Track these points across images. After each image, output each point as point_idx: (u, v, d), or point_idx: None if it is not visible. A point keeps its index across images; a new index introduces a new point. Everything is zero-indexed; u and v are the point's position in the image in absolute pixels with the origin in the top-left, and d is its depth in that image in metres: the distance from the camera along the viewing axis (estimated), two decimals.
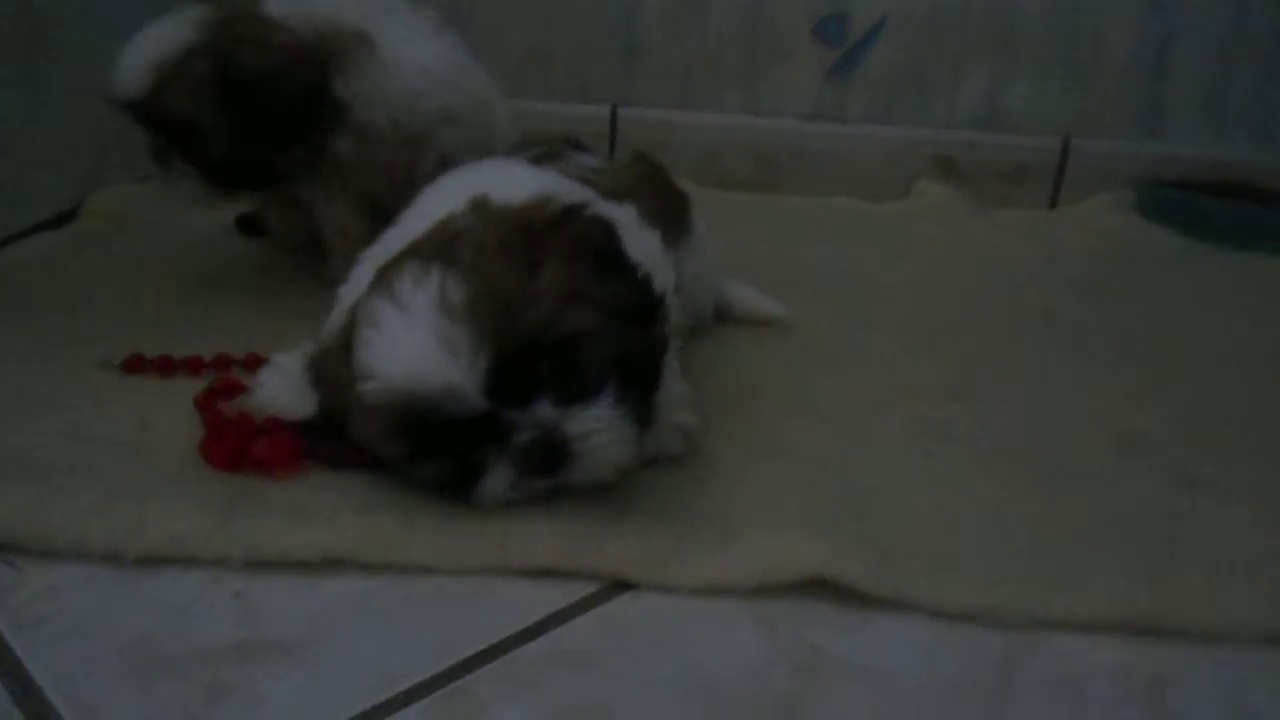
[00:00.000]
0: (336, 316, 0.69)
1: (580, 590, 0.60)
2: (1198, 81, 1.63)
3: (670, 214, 0.88)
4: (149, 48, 0.91)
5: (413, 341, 0.58)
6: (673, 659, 0.56)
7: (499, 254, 0.60)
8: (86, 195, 1.21)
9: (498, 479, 0.61)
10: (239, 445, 0.66)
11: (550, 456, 0.61)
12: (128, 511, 0.61)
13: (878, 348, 0.96)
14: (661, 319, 0.67)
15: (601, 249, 0.64)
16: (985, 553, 0.64)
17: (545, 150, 0.86)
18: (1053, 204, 1.66)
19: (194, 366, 0.81)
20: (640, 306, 0.64)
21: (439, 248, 0.62)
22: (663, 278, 0.70)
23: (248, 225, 1.19)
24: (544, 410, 0.60)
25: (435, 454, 0.61)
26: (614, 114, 1.63)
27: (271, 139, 0.92)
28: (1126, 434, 0.81)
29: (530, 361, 0.59)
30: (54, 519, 0.60)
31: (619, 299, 0.62)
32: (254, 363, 0.82)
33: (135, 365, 0.81)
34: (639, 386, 0.63)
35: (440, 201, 0.69)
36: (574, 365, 0.60)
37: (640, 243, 0.70)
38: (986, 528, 0.67)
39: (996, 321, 1.05)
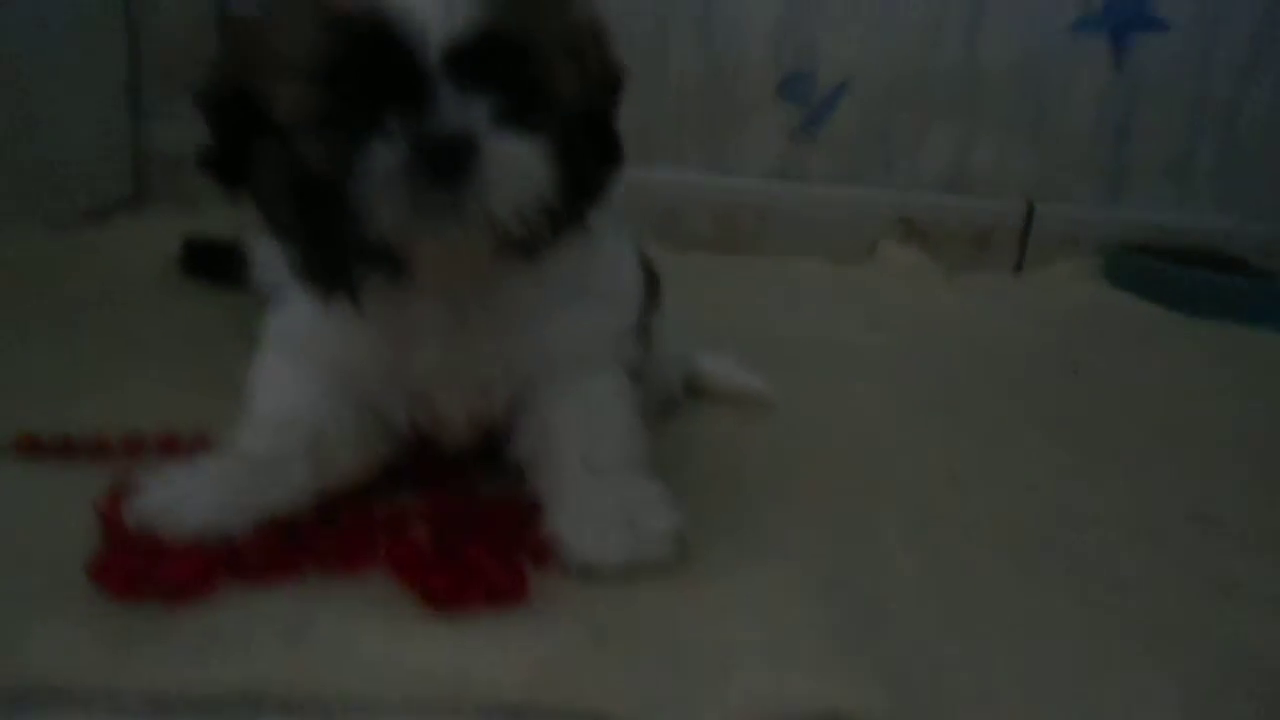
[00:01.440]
0: None
1: None
2: (1161, 147, 1.63)
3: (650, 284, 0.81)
4: None
5: None
6: None
7: None
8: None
9: (388, 157, 0.51)
10: (139, 566, 0.55)
11: (453, 150, 0.52)
12: (7, 636, 0.50)
13: (862, 427, 0.89)
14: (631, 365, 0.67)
15: (621, 71, 0.62)
16: (1018, 678, 0.56)
17: None
18: (1018, 267, 1.63)
19: (99, 450, 0.71)
20: (612, 140, 0.62)
21: None
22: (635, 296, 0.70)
23: (194, 262, 1.11)
24: (475, 110, 0.53)
25: (340, 117, 0.52)
26: None
27: None
28: (1141, 530, 0.74)
29: (504, 67, 0.54)
30: None
31: (606, 103, 0.61)
32: (170, 445, 0.72)
33: (30, 446, 0.70)
34: (570, 180, 0.57)
35: None
36: (533, 100, 0.55)
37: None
38: (1016, 646, 0.59)
39: (978, 400, 1.00)
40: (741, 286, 1.39)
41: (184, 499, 0.59)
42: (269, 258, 0.63)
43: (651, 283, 0.85)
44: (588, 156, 0.60)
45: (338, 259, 0.56)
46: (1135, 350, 1.23)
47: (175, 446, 0.72)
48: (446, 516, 0.64)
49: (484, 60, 0.53)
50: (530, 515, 0.64)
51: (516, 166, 0.54)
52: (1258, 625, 0.63)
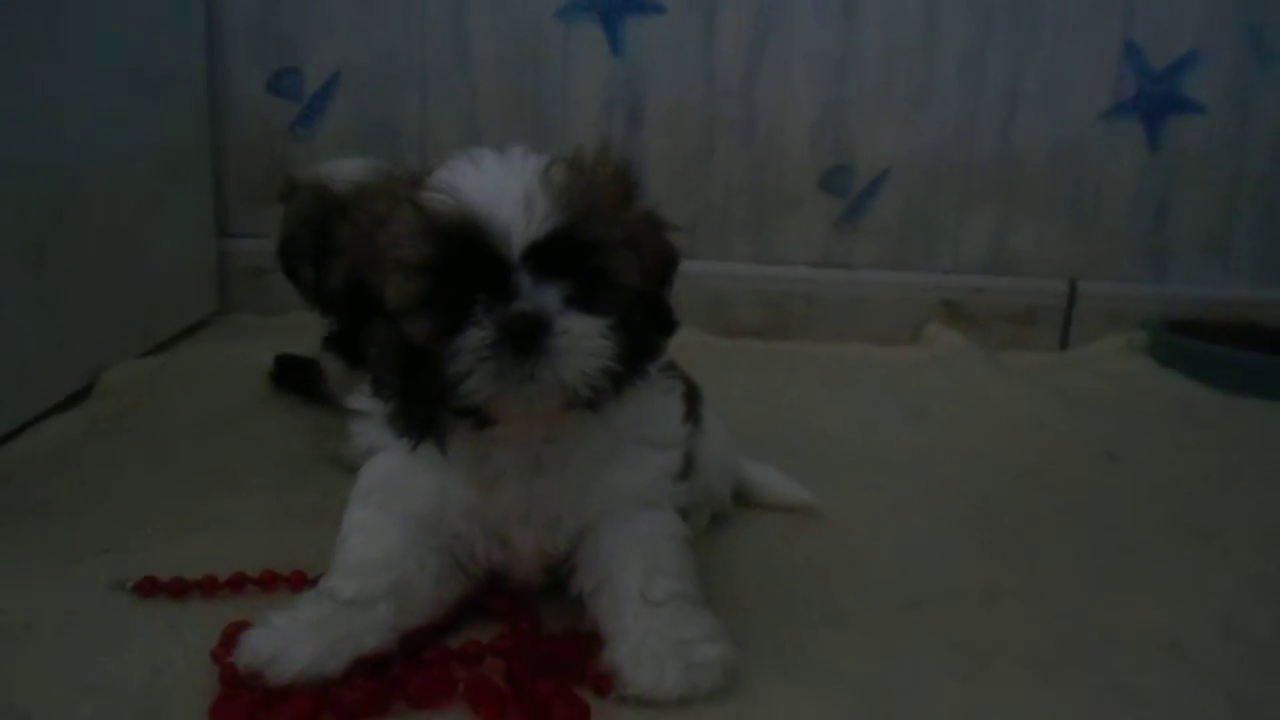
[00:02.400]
0: None
1: None
2: (1200, 223, 1.66)
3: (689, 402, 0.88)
4: (338, 163, 1.11)
5: (503, 180, 0.64)
6: None
7: (608, 177, 0.68)
8: (99, 374, 1.21)
9: (478, 336, 0.62)
10: (252, 710, 0.63)
11: (531, 329, 0.62)
12: None
13: (908, 538, 0.94)
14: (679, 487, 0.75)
15: (675, 256, 0.73)
16: None
17: None
18: (1063, 345, 1.67)
19: (208, 589, 0.79)
20: (665, 313, 0.72)
21: (557, 153, 0.68)
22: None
23: (285, 377, 1.21)
24: (549, 296, 0.63)
25: (440, 301, 0.63)
26: None
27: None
28: (1168, 645, 0.78)
29: (574, 259, 0.64)
30: None
31: (661, 283, 0.71)
32: (270, 582, 0.80)
33: (149, 588, 0.79)
34: (630, 348, 0.66)
35: None
36: (599, 285, 0.65)
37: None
38: None
39: (1023, 497, 1.04)
40: (788, 374, 1.44)
41: (286, 647, 0.67)
42: (363, 426, 0.72)
43: (691, 398, 0.92)
44: (645, 326, 0.69)
45: (432, 413, 0.67)
46: (1177, 434, 1.26)
47: (274, 583, 0.80)
48: (516, 650, 0.71)
49: (557, 254, 0.64)
50: (591, 647, 0.70)
51: (583, 341, 0.64)
52: None
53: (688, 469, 0.80)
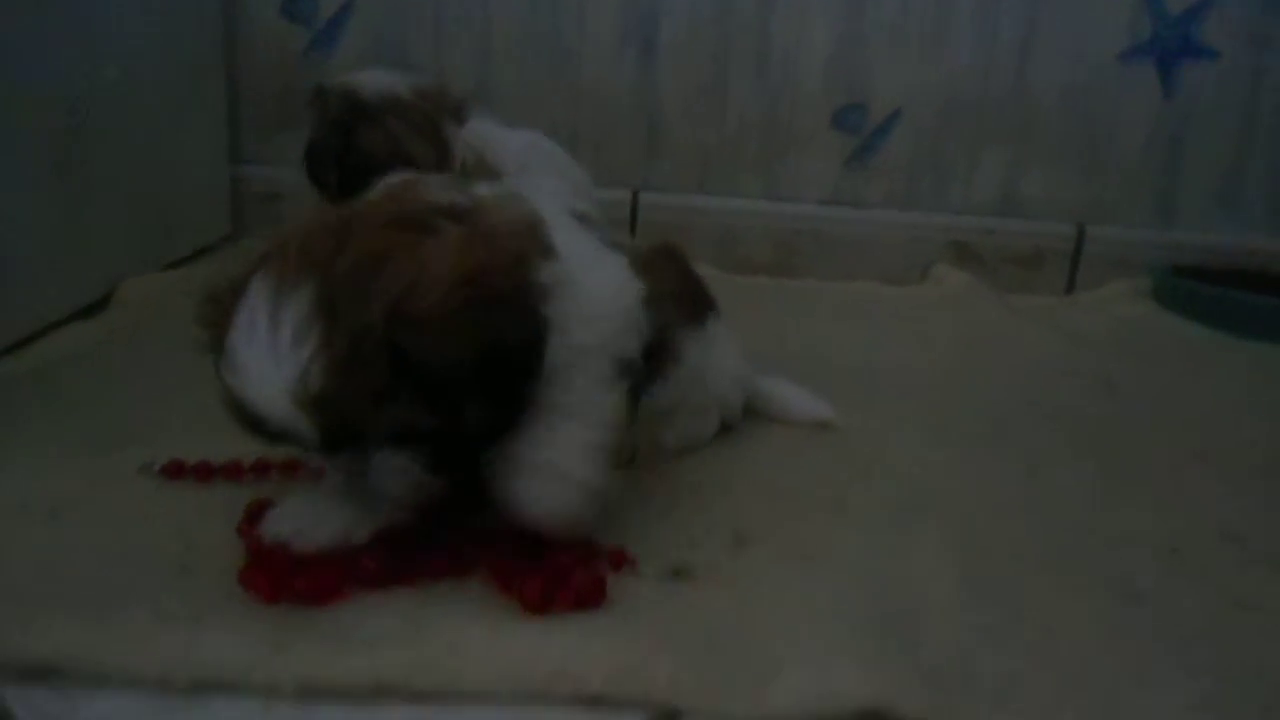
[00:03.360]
0: None
1: (632, 718, 0.60)
2: (1211, 169, 1.66)
3: (686, 303, 0.90)
4: (366, 75, 1.11)
5: (262, 384, 0.61)
6: None
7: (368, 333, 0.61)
8: (118, 284, 1.22)
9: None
10: (279, 576, 0.65)
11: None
12: (178, 638, 0.60)
13: (910, 451, 0.96)
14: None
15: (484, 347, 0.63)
16: (1042, 679, 0.63)
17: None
18: (1069, 289, 1.68)
19: (232, 473, 0.81)
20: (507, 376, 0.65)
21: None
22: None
23: None
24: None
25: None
26: (635, 198, 1.65)
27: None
28: (1166, 549, 0.80)
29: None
30: (103, 645, 0.60)
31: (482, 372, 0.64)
32: (293, 467, 0.82)
33: (176, 471, 0.81)
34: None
35: None
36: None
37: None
38: (1040, 651, 0.66)
39: (1026, 423, 1.06)
40: (797, 309, 1.46)
41: (312, 518, 0.69)
42: None
43: (699, 299, 0.93)
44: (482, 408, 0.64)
45: None
46: (1177, 371, 1.27)
47: (297, 469, 0.82)
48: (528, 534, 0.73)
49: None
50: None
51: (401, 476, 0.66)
52: (1268, 637, 0.69)
53: (671, 354, 0.83)
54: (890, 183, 1.67)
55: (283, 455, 0.82)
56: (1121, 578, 0.76)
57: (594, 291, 0.71)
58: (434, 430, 0.63)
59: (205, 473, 0.81)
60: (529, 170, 1.03)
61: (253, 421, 0.63)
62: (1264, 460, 0.99)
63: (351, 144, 1.03)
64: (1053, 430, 1.04)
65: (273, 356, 0.60)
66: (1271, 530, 0.84)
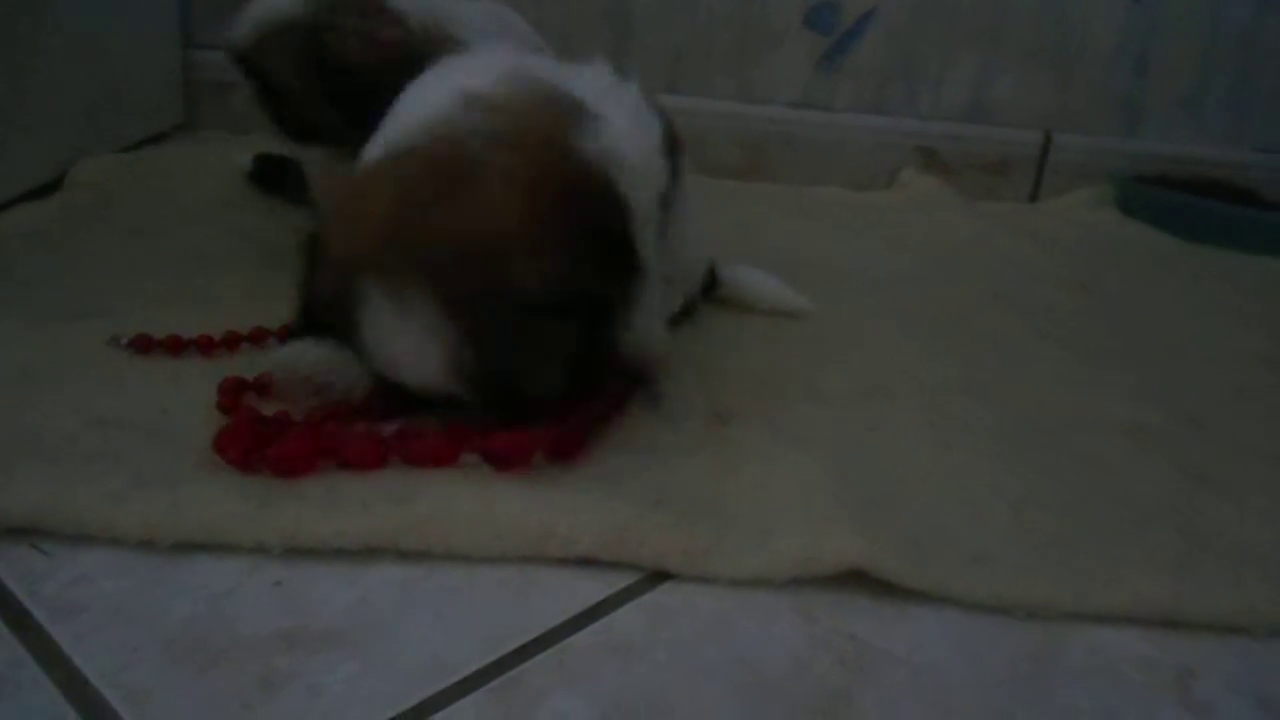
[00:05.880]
0: None
1: (621, 580, 0.61)
2: (1176, 79, 1.67)
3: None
4: (259, 7, 0.94)
5: None
6: (719, 650, 0.56)
7: None
8: (71, 166, 1.18)
9: None
10: (252, 444, 0.64)
11: None
12: (159, 497, 0.60)
13: (883, 341, 0.97)
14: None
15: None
16: (1013, 545, 0.65)
17: None
18: (1033, 197, 1.69)
19: (204, 346, 0.80)
20: None
21: None
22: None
23: (265, 177, 1.18)
24: None
25: None
26: None
27: (355, 115, 0.90)
28: (1132, 429, 0.82)
29: None
30: (83, 503, 0.59)
31: None
32: (264, 337, 0.81)
33: (144, 344, 0.79)
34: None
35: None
36: None
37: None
38: (1012, 520, 0.68)
39: (994, 316, 1.07)
40: (765, 209, 1.45)
41: (325, 355, 0.69)
42: None
43: (676, 142, 0.88)
44: None
45: None
46: (1141, 273, 1.30)
47: (267, 339, 0.81)
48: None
49: None
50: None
51: None
52: (1226, 509, 0.72)
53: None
54: (860, 86, 1.65)
55: (250, 328, 0.81)
56: (1089, 455, 0.78)
57: (634, 144, 0.71)
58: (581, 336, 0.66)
59: (176, 346, 0.79)
60: (490, 39, 0.99)
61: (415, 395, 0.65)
62: (1224, 354, 1.01)
63: (328, 70, 0.94)
64: (1022, 323, 1.05)
65: (418, 352, 0.64)
66: (1232, 415, 0.87)
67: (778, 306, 0.99)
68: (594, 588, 0.60)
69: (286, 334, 0.80)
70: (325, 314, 0.68)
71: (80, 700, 0.49)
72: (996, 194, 1.68)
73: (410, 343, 0.64)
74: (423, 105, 0.69)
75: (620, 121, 0.70)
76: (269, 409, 0.70)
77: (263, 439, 0.66)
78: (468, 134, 0.65)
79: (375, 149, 0.69)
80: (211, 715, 0.49)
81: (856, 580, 0.61)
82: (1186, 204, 1.48)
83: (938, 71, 1.67)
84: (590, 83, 0.73)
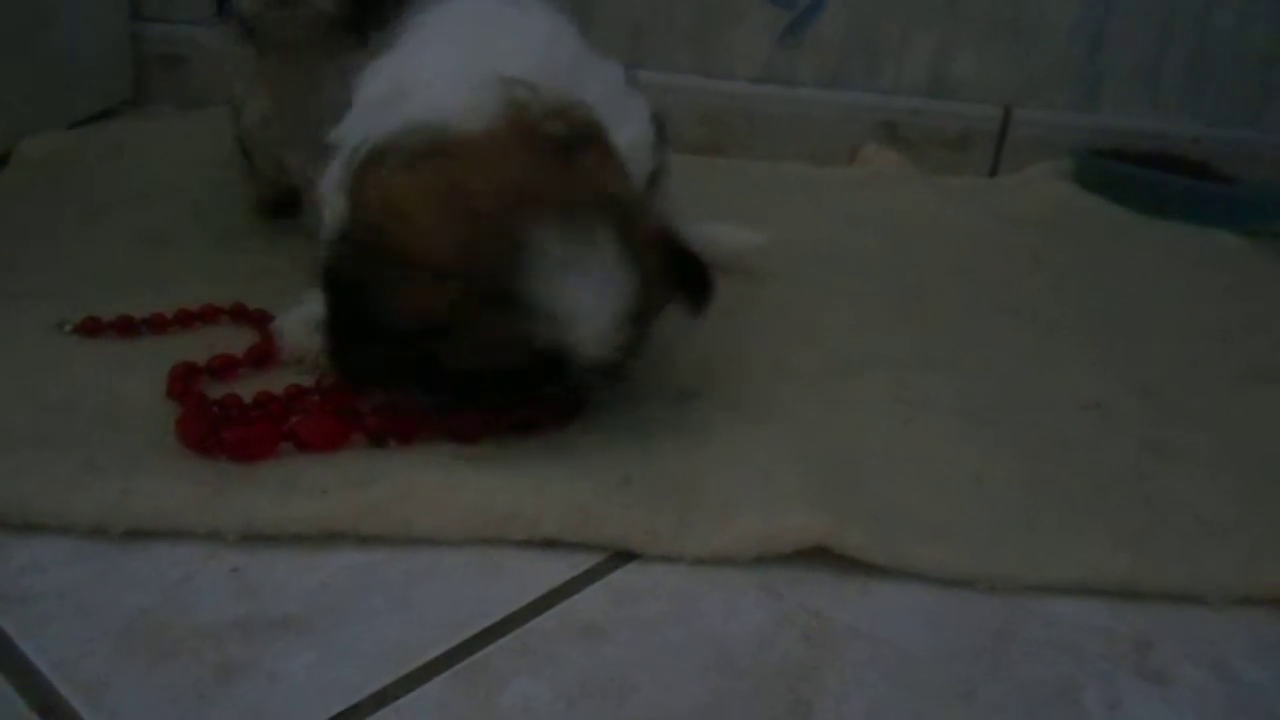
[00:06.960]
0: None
1: (585, 562, 0.60)
2: (1133, 53, 1.68)
3: None
4: None
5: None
6: (684, 629, 0.56)
7: None
8: (17, 143, 1.14)
9: None
10: (209, 427, 0.63)
11: None
12: (111, 483, 0.58)
13: (846, 318, 0.97)
14: None
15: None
16: (975, 520, 0.66)
17: None
18: (993, 172, 1.69)
19: (157, 325, 0.78)
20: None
21: None
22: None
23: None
24: None
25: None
26: None
27: None
28: (1092, 403, 0.83)
29: None
30: (32, 490, 0.57)
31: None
32: (215, 314, 0.80)
33: (93, 328, 0.77)
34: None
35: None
36: None
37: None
38: (973, 495, 0.68)
39: (956, 292, 1.07)
40: (726, 184, 1.44)
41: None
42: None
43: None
44: None
45: None
46: (1098, 248, 1.31)
47: (217, 316, 0.79)
48: None
49: None
50: None
51: None
52: (1183, 480, 0.73)
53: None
54: (821, 61, 1.65)
55: (200, 305, 0.80)
56: (1049, 429, 0.78)
57: (629, 129, 0.76)
58: None
59: (126, 327, 0.77)
60: None
61: (550, 359, 0.63)
62: (1179, 328, 1.03)
63: None
64: (982, 298, 1.06)
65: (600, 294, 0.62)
66: (1187, 388, 0.88)
67: (736, 249, 0.99)
68: (558, 569, 0.59)
69: (242, 312, 0.78)
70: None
71: (32, 693, 0.48)
72: (957, 169, 1.68)
73: (595, 283, 0.62)
74: (457, 87, 0.66)
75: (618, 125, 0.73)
76: (217, 393, 0.69)
77: (219, 423, 0.65)
78: (539, 116, 0.65)
79: (388, 129, 0.65)
80: (168, 706, 0.48)
81: (820, 556, 0.62)
82: (1142, 177, 1.50)
83: (898, 47, 1.67)
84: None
